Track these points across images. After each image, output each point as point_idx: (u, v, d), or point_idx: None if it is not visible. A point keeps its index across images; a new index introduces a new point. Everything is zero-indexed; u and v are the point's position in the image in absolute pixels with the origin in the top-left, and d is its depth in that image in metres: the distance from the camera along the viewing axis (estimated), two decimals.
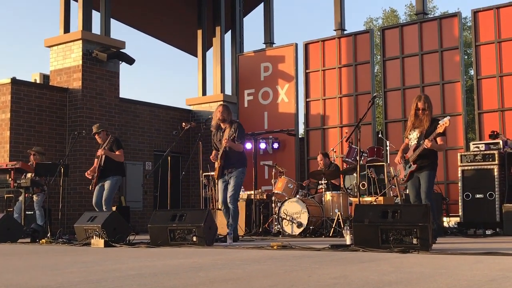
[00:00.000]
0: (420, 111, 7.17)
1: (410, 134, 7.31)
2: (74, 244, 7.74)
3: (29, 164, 10.72)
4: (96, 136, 9.57)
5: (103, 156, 9.23)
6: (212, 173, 9.77)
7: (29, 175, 10.14)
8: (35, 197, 10.53)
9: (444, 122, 6.92)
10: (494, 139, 10.31)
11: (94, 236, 7.28)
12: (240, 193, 11.15)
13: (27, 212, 10.21)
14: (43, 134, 13.04)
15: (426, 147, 6.96)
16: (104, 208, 9.04)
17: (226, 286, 3.24)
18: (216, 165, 8.13)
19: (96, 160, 9.48)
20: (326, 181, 10.25)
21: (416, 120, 7.22)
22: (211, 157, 8.26)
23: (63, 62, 13.65)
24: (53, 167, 9.87)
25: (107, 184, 9.25)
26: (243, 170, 8.15)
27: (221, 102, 11.03)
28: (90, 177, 9.44)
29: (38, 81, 15.02)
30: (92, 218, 7.59)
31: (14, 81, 12.77)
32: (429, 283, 3.18)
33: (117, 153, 9.32)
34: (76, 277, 3.82)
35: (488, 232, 9.32)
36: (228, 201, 8.05)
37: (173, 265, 4.50)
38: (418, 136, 7.18)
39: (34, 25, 52.61)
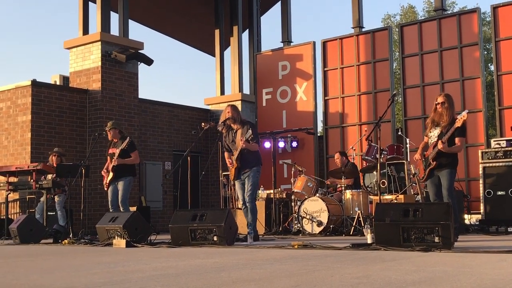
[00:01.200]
0: (439, 105, 7.11)
1: (430, 132, 7.25)
2: (96, 244, 7.80)
3: (48, 164, 10.80)
4: (108, 132, 9.57)
5: (116, 155, 9.25)
6: None
7: (50, 176, 10.24)
8: (56, 198, 10.63)
9: (462, 116, 6.87)
10: None
11: (116, 237, 7.34)
12: (260, 192, 11.23)
13: (49, 213, 10.30)
14: (64, 135, 13.17)
15: (440, 149, 6.91)
16: (122, 210, 9.08)
17: (249, 286, 3.25)
18: (232, 166, 8.14)
19: (109, 158, 9.50)
20: (345, 180, 10.23)
21: (435, 114, 7.17)
22: (227, 161, 8.24)
23: (83, 63, 13.76)
24: (74, 168, 9.96)
25: (120, 186, 9.27)
26: (258, 169, 8.16)
27: (232, 103, 11.03)
28: (105, 175, 9.49)
29: (58, 83, 15.19)
30: (114, 218, 7.64)
31: (34, 83, 12.91)
32: (452, 283, 3.16)
33: (132, 155, 9.34)
34: (100, 278, 3.85)
35: (510, 229, 9.23)
36: (246, 200, 8.07)
37: (195, 265, 4.52)
38: (439, 134, 7.13)
39: (54, 27, 53.09)
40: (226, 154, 8.29)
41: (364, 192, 9.97)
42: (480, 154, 10.05)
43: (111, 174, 9.28)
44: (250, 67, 17.26)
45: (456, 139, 7.02)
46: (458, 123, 6.88)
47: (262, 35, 17.70)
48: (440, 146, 6.91)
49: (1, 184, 10.40)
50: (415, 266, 4.03)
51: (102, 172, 9.53)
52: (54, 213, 10.88)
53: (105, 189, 9.49)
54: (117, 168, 9.24)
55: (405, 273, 3.63)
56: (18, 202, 12.66)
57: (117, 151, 9.26)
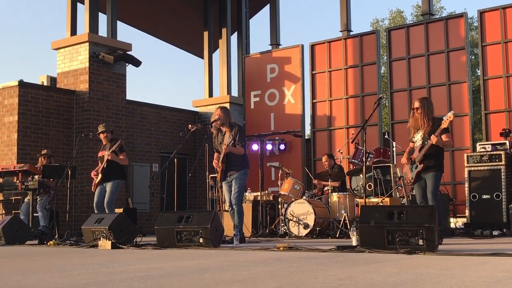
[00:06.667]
0: (415, 110, 7.28)
1: (414, 137, 7.35)
2: (81, 246, 7.79)
3: (36, 166, 10.75)
4: (102, 135, 9.55)
5: (108, 158, 9.22)
6: None
7: (37, 176, 10.20)
8: (38, 199, 10.52)
9: (448, 117, 6.96)
10: (506, 137, 10.27)
11: (101, 238, 7.32)
12: (247, 194, 11.24)
13: (34, 214, 10.25)
14: (50, 136, 13.11)
15: (432, 143, 6.99)
16: (107, 212, 9.05)
17: (232, 287, 3.26)
18: (219, 168, 8.19)
19: (99, 162, 9.48)
20: (331, 182, 10.27)
21: (413, 120, 7.34)
22: (213, 163, 8.29)
23: (70, 64, 13.71)
24: (60, 169, 9.92)
25: (108, 187, 9.25)
26: (245, 171, 8.21)
27: (221, 105, 11.05)
28: (94, 177, 9.45)
29: (45, 84, 15.11)
30: (99, 220, 7.63)
31: (21, 84, 12.84)
32: (434, 284, 3.19)
33: (121, 156, 9.34)
34: (84, 279, 3.85)
35: (495, 233, 9.29)
36: (233, 202, 8.11)
37: (179, 267, 4.53)
38: (422, 137, 7.21)
39: (41, 28, 52.85)
40: (215, 155, 8.34)
41: (351, 195, 10.02)
42: (465, 158, 10.13)
43: (100, 176, 9.26)
44: (239, 70, 17.28)
45: (443, 136, 7.09)
46: (444, 124, 6.98)
47: (250, 37, 17.72)
48: (434, 140, 6.96)
49: None
50: (398, 268, 4.06)
51: (92, 174, 9.48)
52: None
53: (93, 190, 9.46)
54: (107, 171, 9.21)
55: (388, 275, 3.66)
56: (2, 203, 12.57)
57: (106, 154, 9.23)
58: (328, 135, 13.95)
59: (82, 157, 12.95)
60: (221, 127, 8.26)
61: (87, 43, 13.46)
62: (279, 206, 10.77)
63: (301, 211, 9.77)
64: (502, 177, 9.64)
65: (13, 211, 11.63)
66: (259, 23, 38.69)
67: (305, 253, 5.78)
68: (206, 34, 17.36)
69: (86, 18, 13.90)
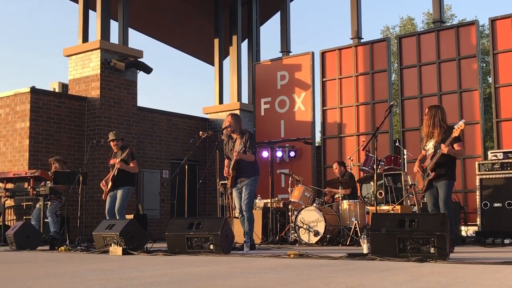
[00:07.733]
0: (424, 117, 7.34)
1: (426, 145, 7.34)
2: (92, 251, 7.81)
3: (49, 173, 10.80)
4: (113, 143, 9.61)
5: (118, 166, 9.29)
6: None
7: (49, 183, 10.25)
8: (48, 204, 10.56)
9: (459, 126, 6.95)
10: None
11: (112, 244, 7.34)
12: (257, 201, 11.25)
13: (45, 220, 10.29)
14: (62, 142, 13.17)
15: (443, 152, 6.97)
16: (118, 218, 9.09)
17: None
18: (229, 176, 8.20)
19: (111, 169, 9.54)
20: (342, 190, 10.25)
21: (423, 127, 7.38)
22: (224, 172, 8.29)
23: (82, 71, 13.79)
24: (71, 175, 9.97)
25: (119, 194, 9.32)
26: (255, 178, 8.21)
27: (232, 111, 11.08)
28: (104, 187, 9.51)
29: (57, 90, 15.18)
30: (110, 226, 7.65)
31: (33, 90, 12.92)
32: None
33: (131, 164, 9.40)
34: (95, 284, 3.86)
35: (507, 241, 9.24)
36: (243, 208, 8.11)
37: (190, 273, 4.53)
38: (434, 145, 7.20)
39: (53, 34, 53.21)
40: (226, 161, 8.37)
41: (361, 203, 9.99)
42: (477, 166, 10.09)
43: (110, 184, 9.32)
44: (249, 77, 17.30)
45: (455, 145, 7.09)
46: (455, 133, 6.95)
47: (261, 45, 17.75)
48: (445, 150, 6.95)
49: None
50: (410, 276, 4.05)
51: (101, 184, 9.54)
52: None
53: (103, 199, 9.51)
54: (117, 178, 9.28)
55: (400, 283, 3.65)
56: (13, 208, 12.63)
57: (117, 162, 9.30)
58: (339, 142, 13.93)
59: (93, 163, 12.99)
60: (232, 134, 8.28)
61: (99, 50, 13.54)
62: (289, 213, 10.76)
63: (311, 218, 9.75)
64: None
65: (24, 217, 11.69)
66: (269, 30, 38.90)
67: (315, 260, 5.76)
68: (216, 41, 17.41)
69: (97, 25, 13.99)
